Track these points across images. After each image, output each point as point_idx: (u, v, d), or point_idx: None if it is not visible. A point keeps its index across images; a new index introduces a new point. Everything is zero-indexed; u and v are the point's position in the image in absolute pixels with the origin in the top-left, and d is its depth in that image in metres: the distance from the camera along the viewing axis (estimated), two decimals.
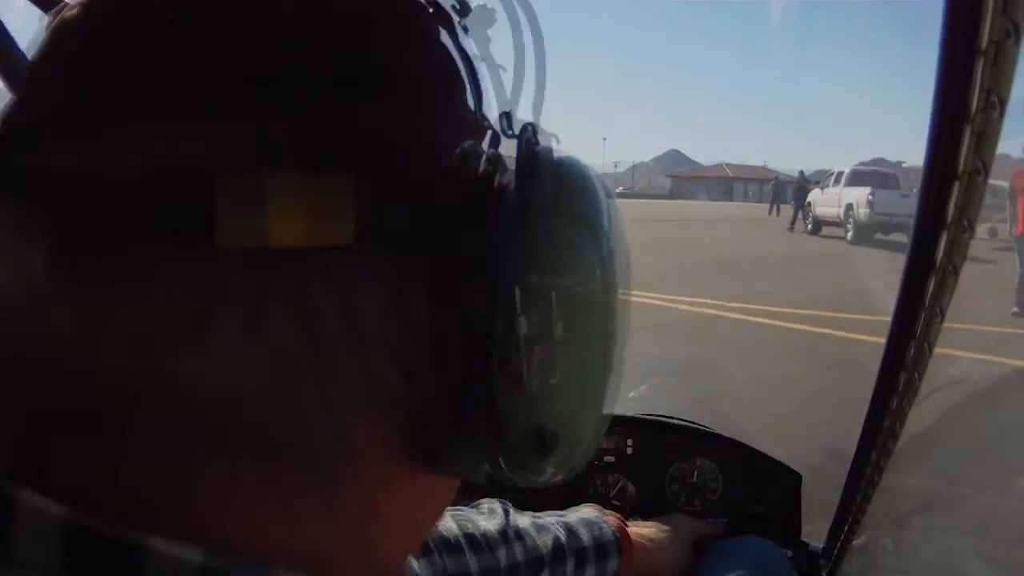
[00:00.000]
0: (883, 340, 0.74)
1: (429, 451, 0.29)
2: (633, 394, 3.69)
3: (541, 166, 0.30)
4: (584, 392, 0.32)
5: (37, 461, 0.24)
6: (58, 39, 0.27)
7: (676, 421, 1.20)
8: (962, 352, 3.69)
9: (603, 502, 1.15)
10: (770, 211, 23.76)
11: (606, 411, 0.34)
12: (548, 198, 0.29)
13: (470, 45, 0.34)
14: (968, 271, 0.65)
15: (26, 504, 0.23)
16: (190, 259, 0.24)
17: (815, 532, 1.13)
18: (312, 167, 0.25)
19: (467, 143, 0.29)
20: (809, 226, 15.64)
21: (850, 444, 0.92)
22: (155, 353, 0.24)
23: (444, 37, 0.32)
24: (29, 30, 0.32)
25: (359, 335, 0.26)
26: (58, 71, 0.27)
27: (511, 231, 0.28)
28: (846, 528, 1.03)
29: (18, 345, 0.25)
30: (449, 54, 0.32)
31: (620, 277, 0.32)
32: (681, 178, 68.54)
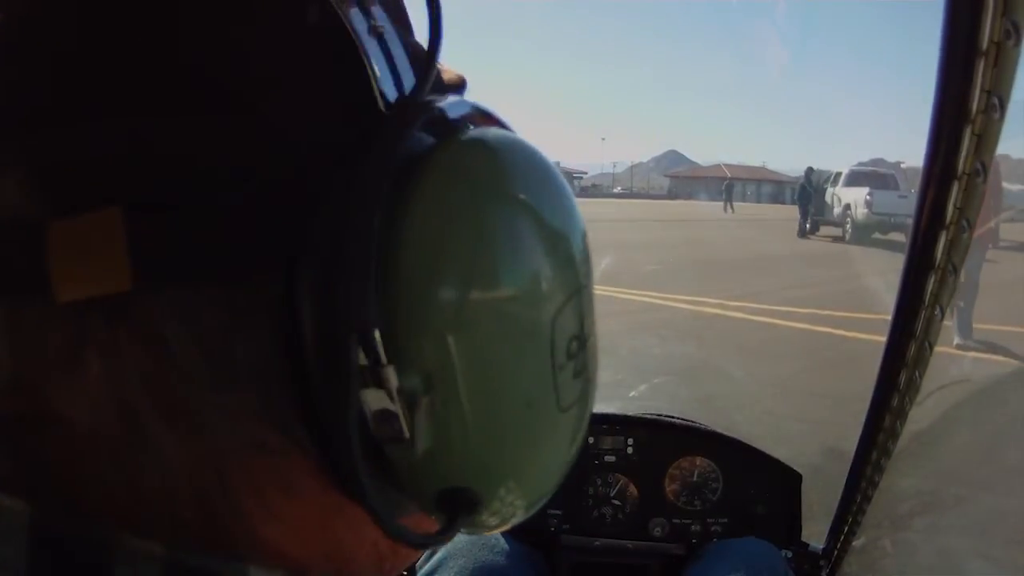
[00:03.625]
0: (882, 338, 0.75)
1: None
2: (633, 393, 3.69)
3: (427, 158, 0.25)
4: (504, 446, 0.27)
5: None
6: None
7: (676, 420, 1.20)
8: (961, 352, 3.69)
9: (603, 501, 1.16)
10: (724, 209, 27.59)
11: (557, 460, 0.29)
12: (429, 200, 0.25)
13: (355, 18, 0.27)
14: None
15: None
16: (11, 314, 0.23)
17: (815, 532, 1.13)
18: (85, 207, 0.22)
19: (311, 145, 0.25)
20: (808, 226, 15.64)
21: (850, 444, 0.92)
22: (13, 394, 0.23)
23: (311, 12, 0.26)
24: None
25: (193, 379, 0.23)
26: None
27: (364, 254, 0.23)
28: (846, 528, 1.03)
29: None
30: (306, 33, 0.26)
31: (552, 294, 0.26)
32: (680, 178, 68.54)
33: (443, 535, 0.27)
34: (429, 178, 0.25)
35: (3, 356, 0.23)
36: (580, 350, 0.28)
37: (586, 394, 0.30)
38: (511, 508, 0.29)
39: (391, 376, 0.24)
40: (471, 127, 0.28)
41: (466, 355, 0.25)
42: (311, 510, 0.26)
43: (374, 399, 0.24)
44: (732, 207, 28.07)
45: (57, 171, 0.23)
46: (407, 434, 0.24)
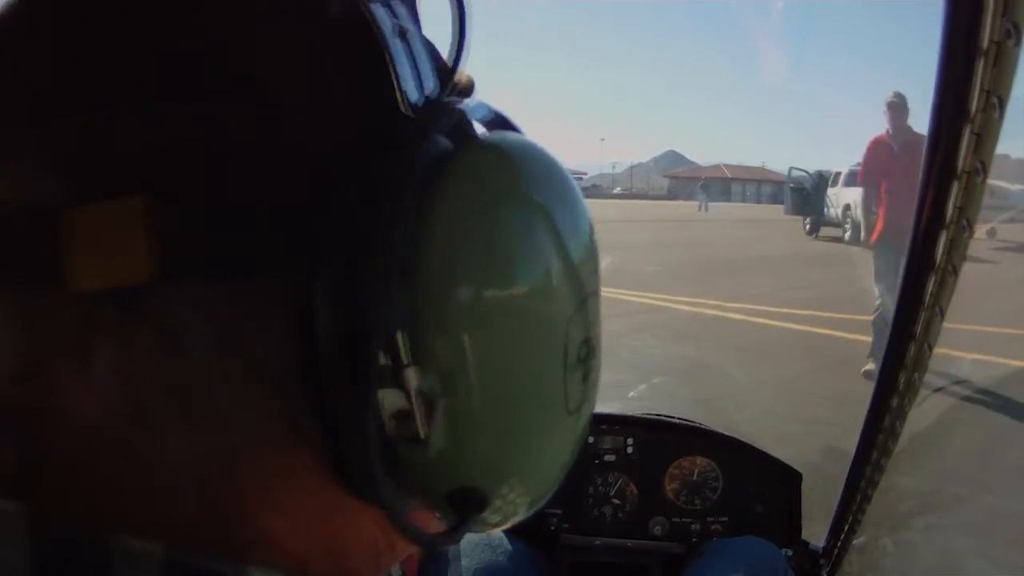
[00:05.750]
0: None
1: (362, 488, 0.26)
2: (633, 394, 3.69)
3: (449, 161, 0.25)
4: (514, 446, 0.27)
5: None
6: None
7: (676, 420, 1.20)
8: (961, 352, 3.69)
9: (603, 501, 1.16)
10: (699, 208, 29.56)
11: (560, 461, 0.30)
12: (452, 204, 0.25)
13: (385, 18, 0.26)
14: (966, 270, 0.65)
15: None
16: (23, 300, 0.23)
17: (815, 532, 1.13)
18: (106, 195, 0.22)
19: (340, 141, 0.24)
20: (807, 227, 15.62)
21: (850, 444, 0.92)
22: (22, 387, 0.23)
23: (338, 9, 0.26)
24: None
25: (207, 372, 0.23)
26: None
27: (389, 253, 0.23)
28: (846, 527, 1.03)
29: None
30: (331, 33, 0.25)
31: (567, 299, 0.27)
32: (679, 178, 68.51)
33: (454, 534, 0.28)
34: (451, 181, 0.25)
35: (12, 343, 0.23)
36: (589, 355, 0.29)
37: (590, 398, 0.30)
38: (514, 506, 0.29)
39: (412, 377, 0.24)
40: (489, 131, 0.29)
41: (484, 357, 0.25)
42: (313, 504, 0.26)
43: (392, 399, 0.24)
44: (707, 207, 29.95)
45: (77, 158, 0.23)
46: (423, 435, 0.24)
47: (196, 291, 0.23)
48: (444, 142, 0.26)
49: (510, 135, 0.29)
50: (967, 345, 3.68)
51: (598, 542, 1.15)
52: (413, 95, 0.26)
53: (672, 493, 1.15)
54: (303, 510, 0.26)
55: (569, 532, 1.15)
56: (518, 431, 0.27)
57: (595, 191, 64.04)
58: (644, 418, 1.20)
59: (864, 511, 0.98)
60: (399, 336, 0.24)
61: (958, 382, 3.20)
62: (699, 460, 1.15)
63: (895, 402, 0.78)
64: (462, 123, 0.27)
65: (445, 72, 0.29)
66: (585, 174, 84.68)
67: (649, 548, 1.14)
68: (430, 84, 0.28)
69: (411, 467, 0.26)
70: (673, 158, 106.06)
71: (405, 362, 0.24)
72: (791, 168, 16.35)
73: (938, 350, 0.72)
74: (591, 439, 1.16)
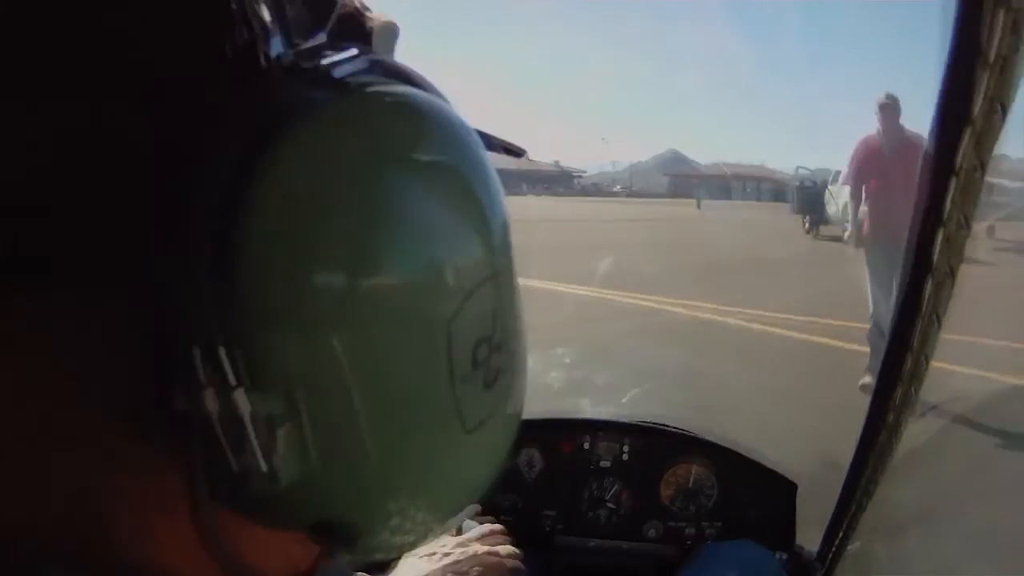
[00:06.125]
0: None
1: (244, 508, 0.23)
2: (625, 400, 3.68)
3: (287, 127, 0.20)
4: (388, 474, 0.23)
5: None
6: None
7: (672, 428, 1.19)
8: (959, 367, 3.67)
9: (598, 504, 1.15)
10: (698, 206, 30.78)
11: (469, 480, 0.25)
12: (290, 182, 0.20)
13: None
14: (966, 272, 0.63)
15: None
16: None
17: (810, 539, 1.12)
18: None
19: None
20: (807, 225, 15.63)
21: (846, 454, 0.91)
22: None
23: None
24: None
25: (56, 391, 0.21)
26: None
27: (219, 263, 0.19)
28: (840, 534, 1.02)
29: None
30: None
31: (447, 290, 0.22)
32: (679, 177, 68.78)
33: (327, 564, 0.25)
34: (286, 152, 0.20)
35: None
36: (492, 355, 0.24)
37: (503, 406, 0.25)
38: (419, 528, 0.25)
39: (242, 400, 0.20)
40: (362, 86, 0.23)
41: (335, 372, 0.21)
42: (190, 526, 0.22)
43: (225, 424, 0.20)
44: (698, 204, 31.67)
45: None
46: (264, 466, 0.20)
47: (31, 309, 0.20)
48: (296, 102, 0.21)
49: (384, 89, 0.23)
50: (965, 359, 3.66)
51: (592, 544, 1.14)
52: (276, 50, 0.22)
53: (667, 499, 1.15)
54: (182, 532, 0.23)
55: (563, 533, 1.15)
56: (389, 458, 0.22)
57: (595, 189, 64.22)
58: (640, 424, 1.19)
59: (859, 519, 0.97)
60: (221, 353, 0.19)
61: (955, 397, 3.18)
62: (695, 468, 1.14)
63: (891, 417, 0.77)
64: (323, 79, 0.22)
65: (323, 14, 0.24)
66: (585, 172, 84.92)
67: (643, 551, 1.14)
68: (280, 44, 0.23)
69: (264, 500, 0.22)
70: (673, 157, 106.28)
71: (233, 382, 0.20)
72: (798, 167, 16.36)
73: (935, 363, 0.71)
74: (586, 444, 1.15)
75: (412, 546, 0.26)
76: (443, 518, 0.26)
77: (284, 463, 0.21)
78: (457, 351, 0.22)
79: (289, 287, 0.20)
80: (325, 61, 0.22)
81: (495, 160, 0.27)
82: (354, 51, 0.23)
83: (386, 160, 0.21)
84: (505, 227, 0.25)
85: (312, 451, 0.21)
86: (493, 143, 0.36)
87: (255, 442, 0.20)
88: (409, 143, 0.22)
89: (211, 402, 0.20)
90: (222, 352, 0.19)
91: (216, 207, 0.19)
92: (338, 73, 0.22)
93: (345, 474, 0.22)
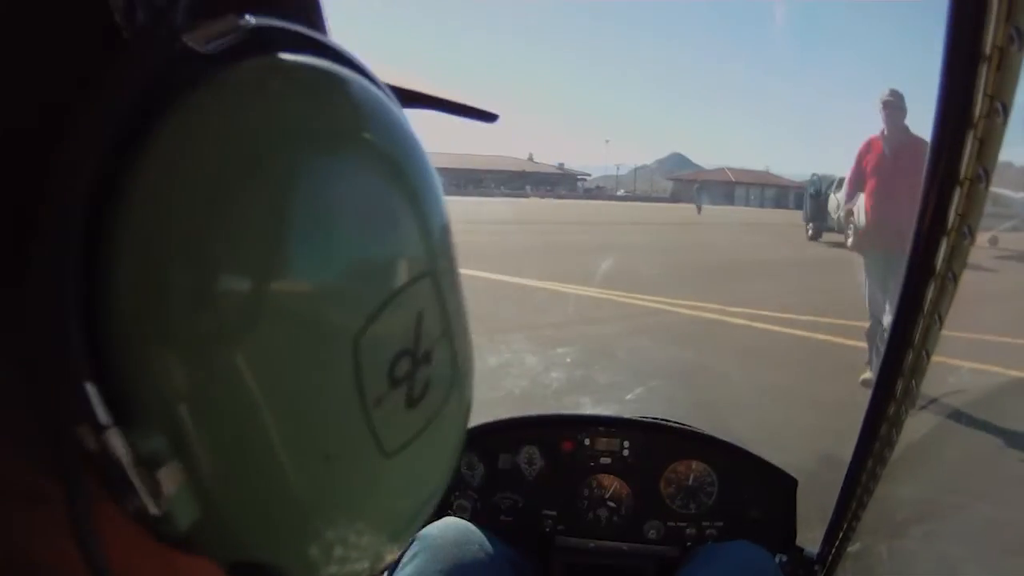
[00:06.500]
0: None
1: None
2: (630, 396, 3.68)
3: (161, 111, 0.17)
4: (304, 509, 0.20)
5: None
6: None
7: (673, 424, 1.20)
8: (960, 361, 3.68)
9: (598, 503, 1.16)
10: (698, 211, 30.78)
11: (399, 507, 0.23)
12: (161, 180, 0.17)
13: None
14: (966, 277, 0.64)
15: None
16: None
17: (811, 538, 1.13)
18: None
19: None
20: (809, 232, 15.58)
21: (847, 450, 0.91)
22: None
23: None
24: None
25: None
26: None
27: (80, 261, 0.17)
28: (841, 534, 1.02)
29: None
30: None
31: (353, 298, 0.19)
32: (683, 181, 68.53)
33: None
34: (162, 140, 0.17)
35: None
36: (418, 369, 0.21)
37: (438, 419, 0.23)
38: (369, 553, 0.23)
39: (116, 442, 0.17)
40: (246, 56, 0.20)
41: (224, 402, 0.18)
42: (113, 556, 0.20)
43: (108, 467, 0.18)
44: (700, 209, 31.49)
45: None
46: (154, 510, 0.18)
47: None
48: (156, 84, 0.18)
49: (282, 60, 0.20)
50: (966, 354, 3.67)
51: (592, 544, 1.14)
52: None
53: (667, 497, 1.15)
54: (115, 564, 0.20)
55: (563, 534, 1.15)
56: (299, 493, 0.20)
57: (599, 192, 64.09)
58: (640, 421, 1.19)
59: (859, 518, 0.97)
60: (89, 388, 0.17)
61: (956, 391, 3.19)
62: (695, 464, 1.14)
63: (892, 410, 0.78)
64: (203, 53, 0.19)
65: None
66: (589, 175, 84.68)
67: (643, 551, 1.14)
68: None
69: (172, 539, 0.20)
70: (677, 160, 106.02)
71: (104, 423, 0.17)
72: (813, 175, 16.30)
73: (936, 358, 0.71)
74: (587, 441, 1.15)
75: (371, 570, 0.24)
76: (393, 537, 0.24)
77: (177, 504, 0.19)
78: (370, 368, 0.20)
79: (163, 312, 0.17)
80: (202, 31, 0.19)
81: (500, 162, 0.24)
82: (243, 17, 0.20)
83: (276, 141, 0.18)
84: (438, 219, 0.22)
85: (210, 489, 0.19)
86: (465, 109, 0.34)
87: (138, 483, 0.18)
88: (306, 119, 0.19)
89: (88, 441, 0.18)
90: (89, 387, 0.17)
91: (77, 221, 0.17)
92: (217, 44, 0.19)
93: (254, 512, 0.20)
